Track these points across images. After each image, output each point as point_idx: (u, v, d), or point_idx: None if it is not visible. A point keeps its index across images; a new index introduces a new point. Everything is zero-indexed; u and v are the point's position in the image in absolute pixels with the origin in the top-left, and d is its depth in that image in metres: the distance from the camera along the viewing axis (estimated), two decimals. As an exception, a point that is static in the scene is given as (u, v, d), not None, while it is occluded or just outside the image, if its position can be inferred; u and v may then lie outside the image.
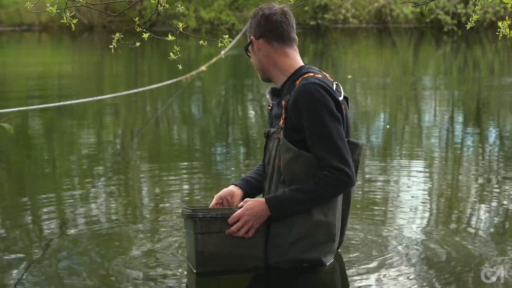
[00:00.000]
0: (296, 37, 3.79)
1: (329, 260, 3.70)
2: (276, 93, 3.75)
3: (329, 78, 3.70)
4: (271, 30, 3.70)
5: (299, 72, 3.68)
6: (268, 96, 3.79)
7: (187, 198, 5.43)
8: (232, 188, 3.87)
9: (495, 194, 5.49)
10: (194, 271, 3.66)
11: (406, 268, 3.84)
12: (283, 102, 3.65)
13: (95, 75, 15.88)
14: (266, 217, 3.59)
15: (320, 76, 3.63)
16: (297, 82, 3.62)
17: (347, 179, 3.55)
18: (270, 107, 3.84)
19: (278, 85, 3.76)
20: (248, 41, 3.78)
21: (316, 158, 3.55)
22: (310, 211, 3.58)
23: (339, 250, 3.92)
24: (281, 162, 3.63)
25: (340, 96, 3.64)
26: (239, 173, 6.24)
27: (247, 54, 3.84)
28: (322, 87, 3.56)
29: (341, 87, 3.71)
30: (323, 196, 3.56)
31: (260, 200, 3.62)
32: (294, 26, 3.79)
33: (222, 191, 3.88)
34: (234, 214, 3.60)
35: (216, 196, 3.87)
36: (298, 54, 3.78)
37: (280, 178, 3.66)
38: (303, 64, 3.74)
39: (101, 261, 4.00)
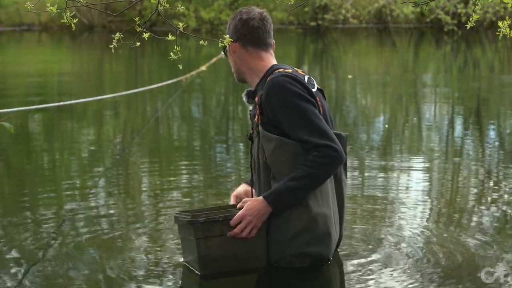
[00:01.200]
0: (272, 42, 3.88)
1: (330, 254, 3.70)
2: (251, 95, 3.81)
3: (300, 72, 3.77)
4: (247, 34, 3.78)
5: (270, 70, 3.76)
6: (244, 99, 3.84)
7: (187, 197, 5.43)
8: (246, 187, 3.94)
9: (496, 193, 5.50)
10: (198, 273, 3.65)
11: (406, 268, 3.84)
12: (256, 99, 3.71)
13: (95, 74, 15.89)
14: (268, 215, 3.60)
15: (290, 70, 3.70)
16: (268, 79, 3.68)
17: (335, 153, 3.55)
18: (251, 111, 3.88)
19: (252, 86, 3.84)
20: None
21: (300, 143, 3.57)
22: (306, 205, 3.59)
23: (338, 249, 3.92)
24: (265, 155, 3.65)
25: (313, 88, 3.70)
26: (239, 172, 6.24)
27: (225, 55, 3.91)
28: (290, 78, 3.63)
29: (314, 80, 3.78)
30: (317, 177, 3.56)
31: (258, 198, 3.62)
32: (271, 31, 3.87)
33: (237, 190, 3.96)
34: (235, 216, 3.60)
35: (233, 196, 3.94)
36: (274, 58, 3.87)
37: (269, 174, 3.68)
38: (275, 63, 3.82)
39: (101, 261, 4.00)
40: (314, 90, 3.69)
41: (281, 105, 3.59)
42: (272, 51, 3.85)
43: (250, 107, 3.87)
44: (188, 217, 3.62)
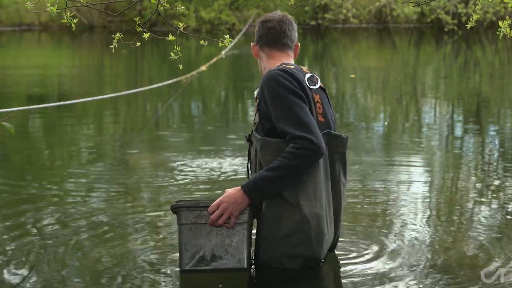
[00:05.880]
0: (289, 43, 3.88)
1: (322, 256, 3.67)
2: None
3: (304, 70, 3.79)
4: (263, 35, 3.89)
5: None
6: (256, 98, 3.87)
7: (187, 196, 5.43)
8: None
9: (496, 193, 5.50)
10: (180, 267, 3.63)
11: (405, 268, 3.84)
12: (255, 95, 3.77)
13: (95, 74, 15.89)
14: (246, 204, 3.61)
15: (292, 67, 3.73)
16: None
17: (311, 145, 3.54)
18: None
19: None
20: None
21: (282, 135, 3.59)
22: (298, 205, 3.58)
23: (335, 251, 3.91)
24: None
25: (314, 85, 3.72)
26: (239, 173, 6.25)
27: None
28: (285, 72, 3.67)
29: (318, 78, 3.81)
30: (293, 168, 3.55)
31: (236, 188, 3.65)
32: (289, 33, 3.89)
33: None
34: (213, 203, 3.62)
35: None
36: (289, 58, 3.88)
37: None
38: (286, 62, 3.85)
39: (100, 261, 4.01)
40: (315, 87, 3.71)
41: (271, 96, 3.63)
42: (289, 52, 3.89)
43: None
44: (173, 204, 3.66)
